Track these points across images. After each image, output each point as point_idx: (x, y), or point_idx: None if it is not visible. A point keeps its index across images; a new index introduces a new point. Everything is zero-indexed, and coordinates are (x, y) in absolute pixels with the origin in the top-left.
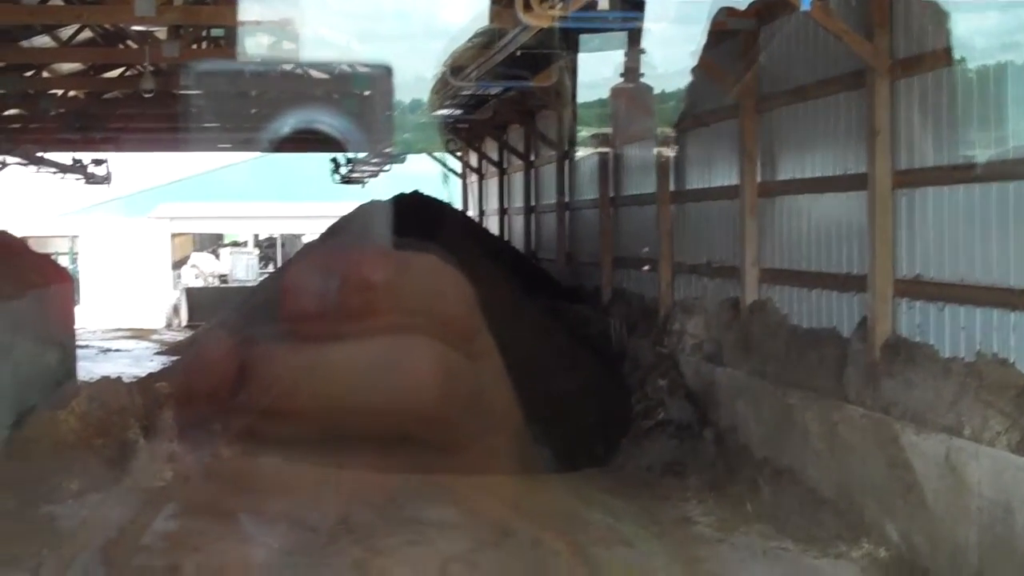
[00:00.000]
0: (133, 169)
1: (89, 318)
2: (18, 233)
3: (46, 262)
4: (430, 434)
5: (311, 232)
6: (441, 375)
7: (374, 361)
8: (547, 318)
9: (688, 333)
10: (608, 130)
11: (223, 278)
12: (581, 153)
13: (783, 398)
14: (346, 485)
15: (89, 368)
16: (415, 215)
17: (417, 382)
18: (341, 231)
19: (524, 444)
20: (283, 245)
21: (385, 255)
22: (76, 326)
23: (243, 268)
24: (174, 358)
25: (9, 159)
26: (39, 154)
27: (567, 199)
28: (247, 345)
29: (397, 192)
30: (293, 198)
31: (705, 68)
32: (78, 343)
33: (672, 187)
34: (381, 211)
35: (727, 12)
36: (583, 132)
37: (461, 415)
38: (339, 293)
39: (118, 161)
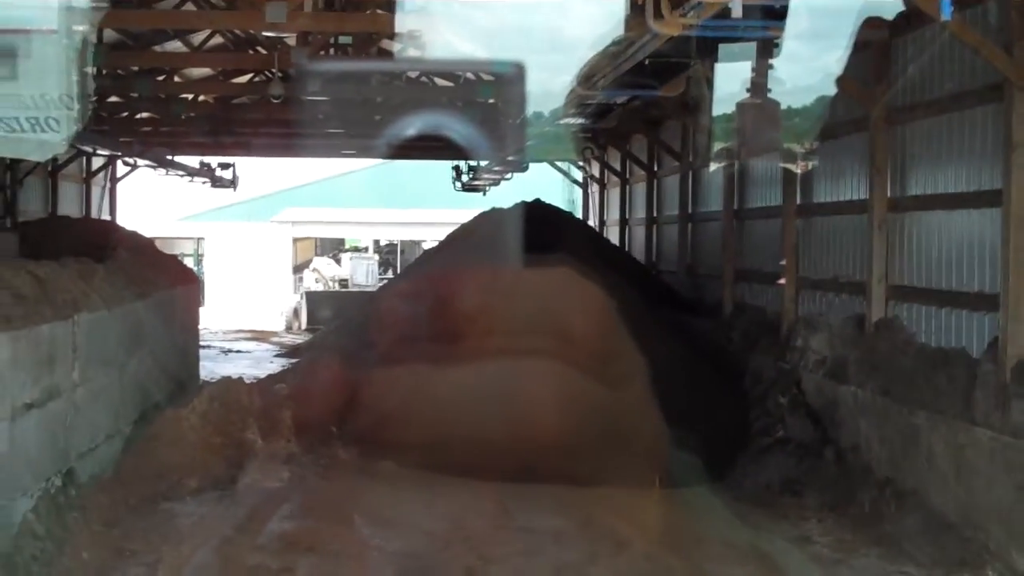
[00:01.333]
0: (258, 174)
1: (212, 319)
2: (147, 234)
3: (173, 263)
4: (557, 469)
5: (431, 239)
6: (568, 402)
7: (492, 387)
8: (669, 332)
9: (811, 349)
10: (734, 143)
11: (343, 283)
12: (708, 165)
13: (909, 418)
14: (461, 491)
15: (211, 368)
16: (538, 224)
17: (540, 411)
18: (462, 238)
19: (650, 460)
20: (403, 251)
21: (512, 267)
22: (200, 326)
23: (363, 273)
24: (293, 360)
25: (140, 161)
26: (169, 157)
27: (690, 210)
28: (356, 365)
29: (518, 200)
30: (414, 205)
31: (836, 80)
32: (201, 343)
33: (799, 200)
34: (504, 219)
35: (861, 24)
36: (708, 144)
37: (594, 447)
38: (458, 308)
39: (244, 165)
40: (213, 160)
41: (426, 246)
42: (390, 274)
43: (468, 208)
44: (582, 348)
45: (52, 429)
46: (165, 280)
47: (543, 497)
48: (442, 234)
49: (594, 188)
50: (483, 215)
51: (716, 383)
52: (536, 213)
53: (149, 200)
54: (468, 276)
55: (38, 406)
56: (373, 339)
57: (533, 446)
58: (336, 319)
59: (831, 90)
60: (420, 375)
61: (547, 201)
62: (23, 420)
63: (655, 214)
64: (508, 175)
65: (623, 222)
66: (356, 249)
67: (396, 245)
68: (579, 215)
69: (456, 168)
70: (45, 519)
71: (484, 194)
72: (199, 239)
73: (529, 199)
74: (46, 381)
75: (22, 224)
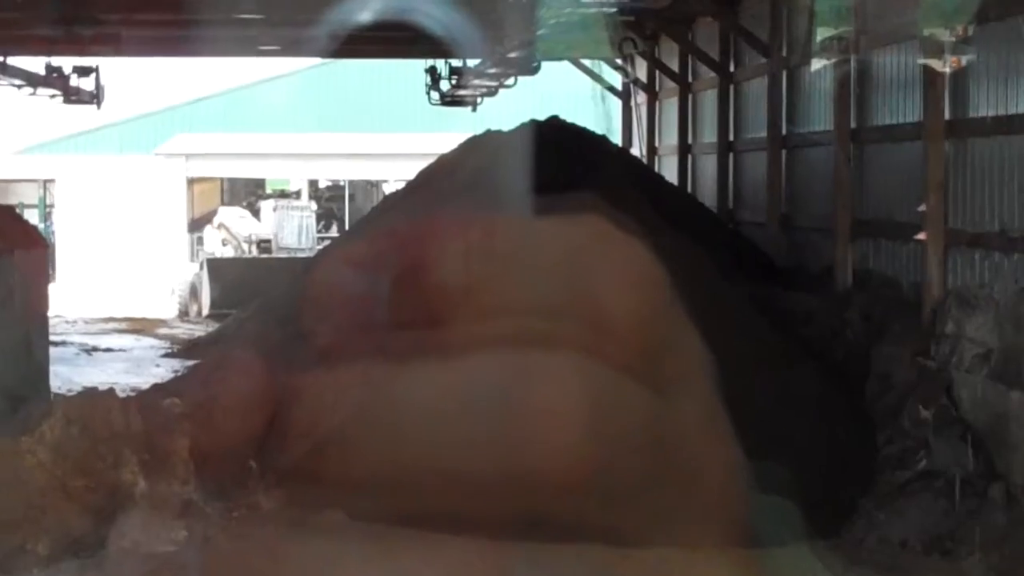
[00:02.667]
0: (134, 83)
1: (68, 302)
2: None
3: (5, 218)
4: (582, 518)
5: (395, 178)
6: (599, 417)
7: (485, 394)
8: (753, 314)
9: (967, 338)
10: (850, 27)
11: (264, 245)
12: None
13: None
14: (440, 554)
15: (67, 375)
16: (555, 154)
17: (557, 430)
18: (441, 177)
19: (721, 505)
20: (353, 197)
21: (516, 217)
22: (50, 313)
23: (294, 230)
24: (191, 362)
25: None
26: None
27: (784, 131)
28: (285, 367)
29: (525, 119)
30: (368, 128)
31: None
32: (52, 338)
33: (947, 114)
34: (504, 147)
35: None
36: (811, 29)
37: (637, 485)
38: (435, 280)
39: (113, 71)
40: (66, 63)
41: (388, 189)
42: (334, 231)
43: (450, 131)
44: (619, 337)
45: None
46: None
47: (561, 561)
48: (412, 171)
49: (640, 99)
50: (473, 142)
51: (825, 390)
52: (552, 137)
53: None
54: (450, 232)
55: None
56: (309, 328)
57: (546, 484)
58: (254, 300)
59: None
60: (379, 379)
61: (568, 120)
62: None
63: (731, 137)
64: (510, 80)
65: (683, 150)
66: (283, 194)
67: (343, 188)
68: (617, 140)
69: (432, 71)
70: None
71: (474, 110)
72: (46, 182)
73: (542, 116)
74: None
75: None
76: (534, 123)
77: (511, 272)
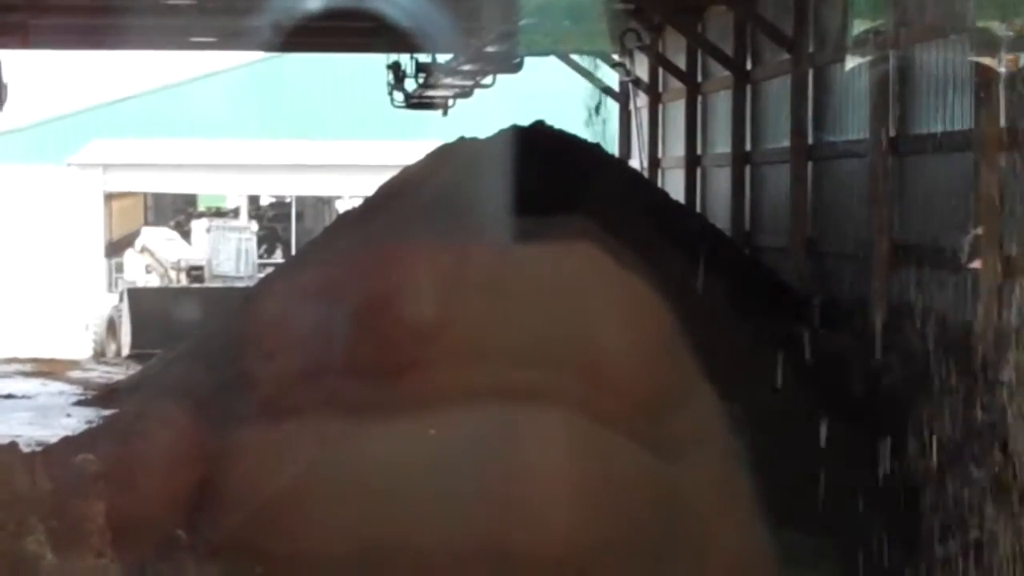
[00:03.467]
0: (44, 81)
1: None
2: None
3: None
4: None
5: (351, 193)
6: (591, 485)
7: (459, 459)
8: (773, 357)
9: None
10: (888, 19)
11: (196, 272)
12: (842, 59)
13: None
14: None
15: None
16: (540, 167)
17: (543, 501)
18: (406, 193)
19: None
20: (301, 216)
21: (495, 244)
22: None
23: (232, 255)
24: (107, 412)
25: None
26: None
27: (811, 140)
28: (219, 420)
29: (505, 125)
30: (319, 135)
31: None
32: None
33: (1003, 122)
34: (480, 158)
35: None
36: (844, 21)
37: (637, 560)
38: (400, 318)
39: (17, 66)
40: None
41: (342, 207)
42: (279, 256)
43: (416, 139)
44: (616, 389)
45: None
46: None
47: None
48: (371, 185)
49: (640, 101)
50: (443, 152)
51: (860, 448)
52: (537, 147)
53: None
54: (418, 261)
55: None
56: (250, 372)
57: (531, 564)
58: (183, 338)
59: None
60: (333, 437)
61: (556, 126)
62: None
63: (748, 147)
64: (487, 79)
65: (691, 161)
66: (218, 213)
67: (289, 205)
68: (613, 150)
69: (395, 68)
70: None
71: (445, 114)
72: None
73: (524, 122)
74: None
75: None
76: (515, 130)
77: (489, 310)
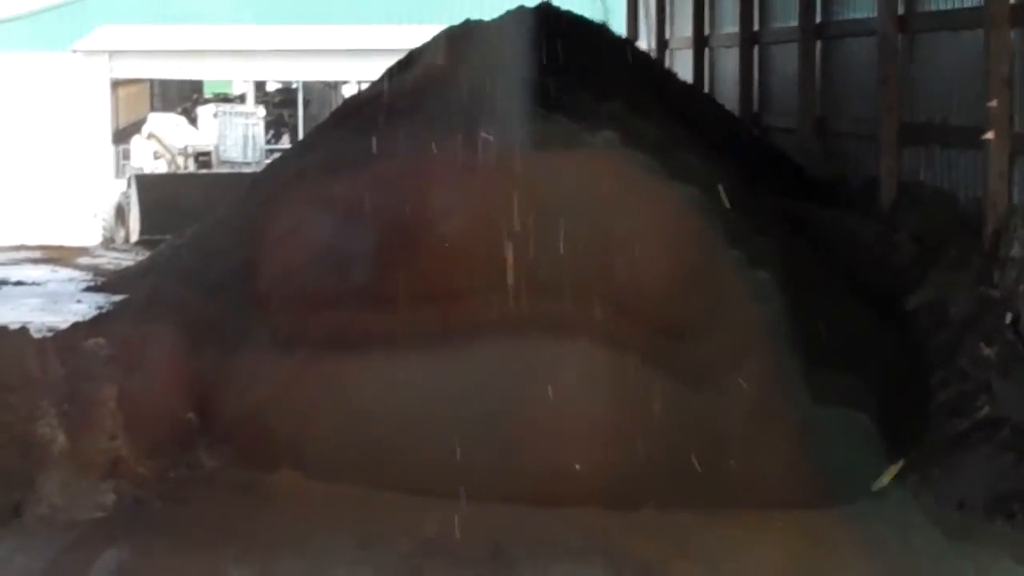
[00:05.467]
0: None
1: None
2: None
3: None
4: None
5: (356, 79)
6: (615, 423)
7: (465, 393)
8: (786, 235)
9: None
10: None
11: (204, 158)
12: None
13: None
14: (428, 518)
15: None
16: (549, 50)
17: (562, 439)
18: (408, 82)
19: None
20: (308, 103)
21: (503, 145)
22: None
23: (239, 141)
24: (118, 298)
25: None
26: None
27: (818, 17)
28: (226, 344)
29: (510, 6)
30: (325, 19)
31: None
32: None
33: None
34: (486, 43)
35: None
36: None
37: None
38: (432, 241)
39: None
40: None
41: (348, 92)
42: (286, 142)
43: (421, 23)
44: (646, 313)
45: None
46: None
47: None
48: (375, 70)
49: None
50: (453, 37)
51: (868, 324)
52: (546, 30)
53: None
54: (448, 175)
55: None
56: (266, 295)
57: (557, 492)
58: (192, 223)
59: None
60: (354, 373)
61: (562, 8)
62: None
63: (756, 27)
64: None
65: (699, 42)
66: (225, 99)
67: (296, 90)
68: (621, 31)
69: None
70: None
71: None
72: None
73: (528, 1)
74: None
75: None
76: (524, 11)
77: (519, 229)
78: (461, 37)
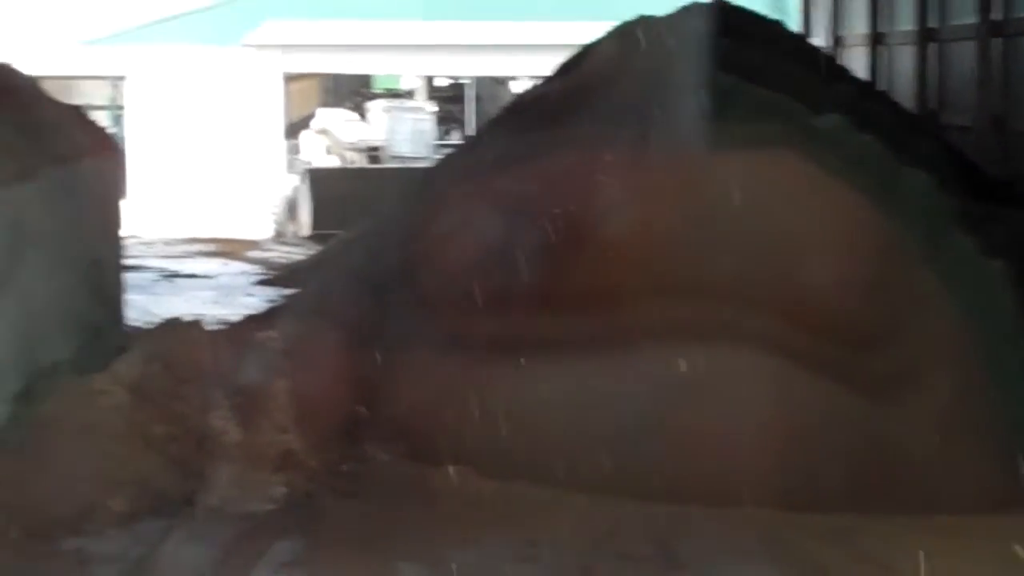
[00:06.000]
0: None
1: (143, 220)
2: (27, 69)
3: (75, 120)
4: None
5: (526, 74)
6: (784, 430)
7: (633, 395)
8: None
9: None
10: None
11: (374, 153)
12: None
13: None
14: (607, 516)
15: (144, 305)
16: (723, 46)
17: (731, 443)
18: (579, 78)
19: None
20: (479, 98)
21: (682, 149)
22: (123, 232)
23: (408, 135)
24: (288, 291)
25: None
26: None
27: (998, 14)
28: (389, 343)
29: (683, 3)
30: (496, 14)
31: None
32: (126, 261)
33: None
34: (659, 39)
35: None
36: None
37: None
38: (569, 237)
39: None
40: None
41: (518, 88)
42: (456, 138)
43: (590, 20)
44: (824, 325)
45: None
46: (64, 148)
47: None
48: (545, 66)
49: None
50: (627, 34)
51: None
52: (719, 25)
53: (29, 11)
54: (620, 176)
55: None
56: (428, 293)
57: (726, 507)
58: (362, 218)
59: None
60: (512, 379)
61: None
62: None
63: (932, 24)
64: None
65: (874, 39)
66: (395, 94)
67: (465, 86)
68: (796, 27)
69: None
70: None
71: None
72: (117, 79)
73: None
74: None
75: None
76: (697, 6)
77: (691, 233)
78: (633, 33)
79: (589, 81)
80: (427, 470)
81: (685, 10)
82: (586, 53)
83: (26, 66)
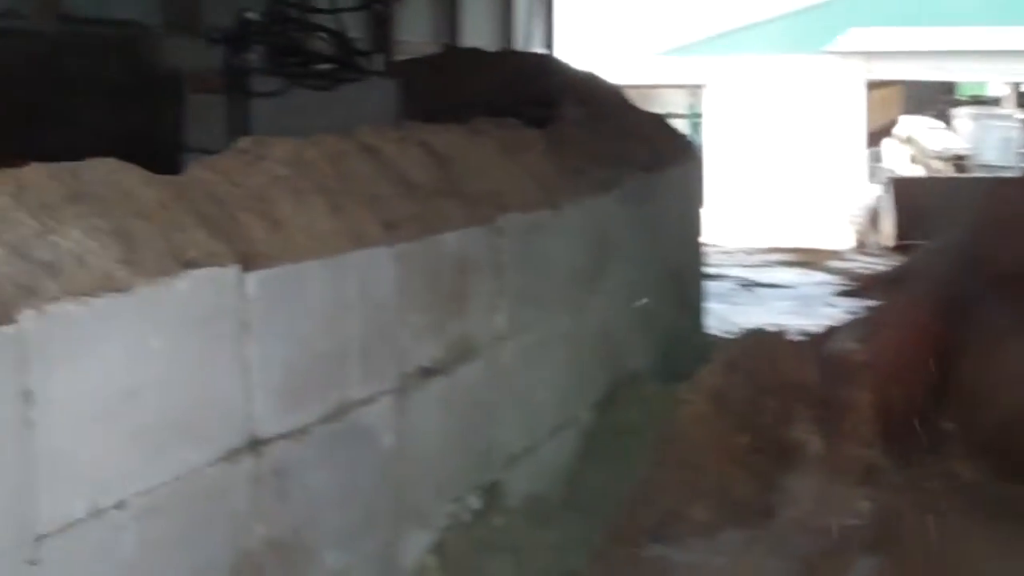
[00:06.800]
0: None
1: (723, 228)
2: (611, 79)
3: (657, 128)
4: None
5: None
6: None
7: None
8: None
9: None
10: None
11: (959, 162)
12: None
13: None
14: None
15: (724, 314)
16: None
17: None
18: None
19: None
20: None
21: None
22: (703, 240)
23: (996, 144)
24: (869, 303)
25: None
26: None
27: None
28: (971, 360)
29: None
30: None
31: None
32: (706, 270)
33: None
34: None
35: None
36: None
37: None
38: None
39: None
40: None
41: None
42: None
43: None
44: None
45: (464, 412)
46: (644, 157)
47: None
48: None
49: None
50: None
51: None
52: None
53: (609, 21)
54: None
55: (443, 371)
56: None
57: None
58: (947, 229)
59: None
60: None
61: None
62: (418, 395)
63: None
64: None
65: None
66: (980, 102)
67: None
68: None
69: None
70: (454, 565)
71: None
72: (696, 88)
73: None
74: (453, 330)
75: (404, 63)
76: None
77: None
78: None
79: None
80: (1017, 490)
81: None
82: None
83: (610, 75)
